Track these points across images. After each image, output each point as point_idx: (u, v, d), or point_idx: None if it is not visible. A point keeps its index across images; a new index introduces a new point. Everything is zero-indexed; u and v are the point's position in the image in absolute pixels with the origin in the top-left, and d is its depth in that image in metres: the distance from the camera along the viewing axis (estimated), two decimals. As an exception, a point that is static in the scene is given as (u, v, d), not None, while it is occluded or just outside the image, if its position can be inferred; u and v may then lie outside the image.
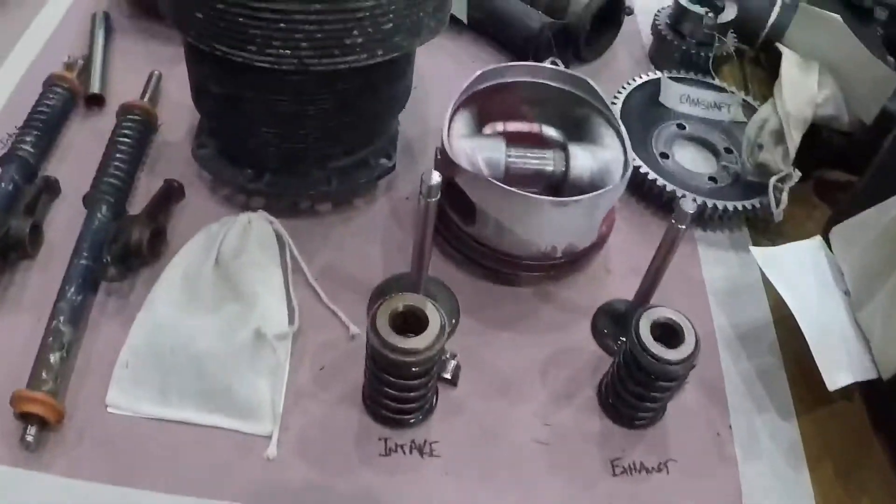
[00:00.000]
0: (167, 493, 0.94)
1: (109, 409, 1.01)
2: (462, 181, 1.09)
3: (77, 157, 1.26)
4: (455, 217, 1.15)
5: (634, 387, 0.99)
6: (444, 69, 1.49)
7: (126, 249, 1.09)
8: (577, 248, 1.14)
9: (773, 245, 1.16)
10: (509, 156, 1.13)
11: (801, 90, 1.29)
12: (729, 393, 1.11)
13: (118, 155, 1.20)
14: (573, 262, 1.17)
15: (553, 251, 1.12)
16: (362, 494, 0.97)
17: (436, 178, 0.90)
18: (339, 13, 0.94)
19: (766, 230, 1.30)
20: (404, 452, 1.00)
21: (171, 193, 1.19)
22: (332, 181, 1.16)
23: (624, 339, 1.00)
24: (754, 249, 1.13)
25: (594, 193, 1.06)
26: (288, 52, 0.95)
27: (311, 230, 1.21)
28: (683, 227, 0.95)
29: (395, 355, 0.91)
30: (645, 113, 1.40)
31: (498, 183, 1.04)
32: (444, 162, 1.10)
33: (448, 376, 1.05)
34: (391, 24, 0.98)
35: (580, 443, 1.03)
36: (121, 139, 1.22)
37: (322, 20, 0.94)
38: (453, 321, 1.13)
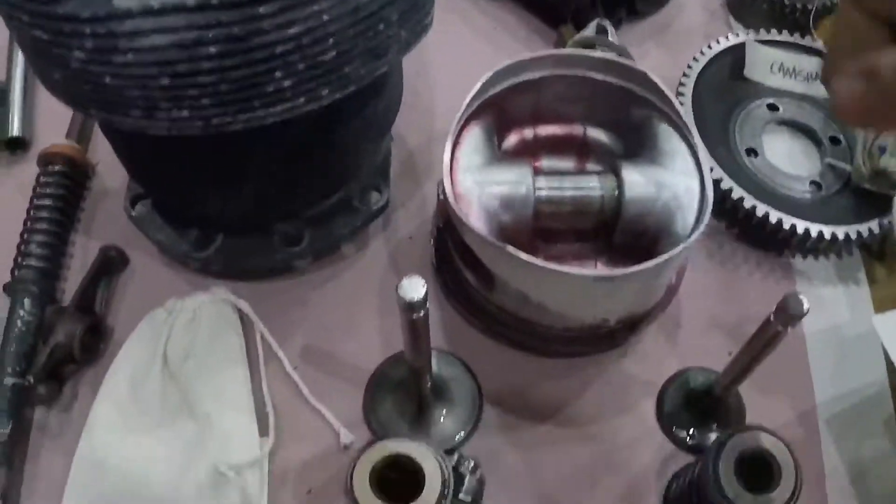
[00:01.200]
0: None
1: (60, 568, 0.84)
2: (470, 240, 0.82)
3: (-2, 225, 1.04)
4: (469, 277, 0.89)
5: None
6: (457, 41, 1.17)
7: (55, 358, 0.89)
8: (637, 313, 0.88)
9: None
10: (539, 188, 0.86)
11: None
12: (830, 490, 0.86)
13: (40, 225, 0.97)
14: (632, 327, 0.90)
15: (603, 322, 0.87)
16: None
17: (419, 289, 0.65)
18: (243, 54, 0.66)
19: (883, 254, 1.02)
20: None
21: (108, 265, 0.96)
22: (303, 237, 0.92)
23: (702, 433, 0.86)
24: (877, 319, 0.85)
25: (660, 260, 0.78)
26: (185, 113, 0.69)
27: (286, 297, 0.96)
28: (785, 330, 0.69)
29: (384, 536, 0.68)
30: (724, 92, 1.09)
31: (516, 252, 0.77)
32: (447, 210, 0.83)
33: (468, 499, 0.82)
34: (334, 53, 0.70)
35: None
36: (43, 202, 0.99)
37: (220, 67, 0.66)
38: (475, 416, 0.89)
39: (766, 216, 0.95)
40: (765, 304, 0.88)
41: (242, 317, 0.93)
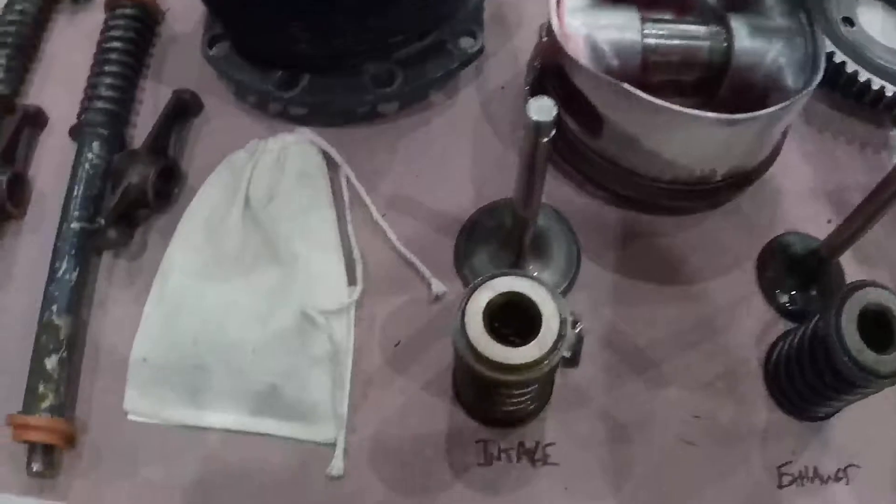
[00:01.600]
0: None
1: (130, 417, 0.81)
2: (580, 82, 0.77)
3: (64, 72, 0.99)
4: (572, 124, 0.84)
5: (819, 383, 0.74)
6: None
7: (127, 200, 0.84)
8: (743, 168, 0.83)
9: None
10: (647, 35, 0.81)
11: None
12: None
13: (108, 67, 0.92)
14: (736, 184, 0.85)
15: (711, 174, 0.82)
16: (456, 523, 0.76)
17: (549, 110, 0.61)
18: None
19: None
20: (510, 459, 0.79)
21: (181, 109, 0.91)
22: (395, 78, 0.87)
23: (804, 299, 0.82)
24: None
25: (780, 106, 0.73)
26: None
27: (374, 143, 0.92)
28: None
29: (496, 373, 0.64)
30: None
31: (634, 90, 0.73)
32: (553, 50, 0.79)
33: (566, 354, 0.78)
34: None
35: (739, 441, 0.80)
36: (111, 44, 0.94)
37: None
38: (572, 271, 0.85)
39: (869, 82, 0.90)
40: (864, 173, 0.85)
41: (328, 161, 0.88)
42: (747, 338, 0.83)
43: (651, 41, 0.81)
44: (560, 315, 0.65)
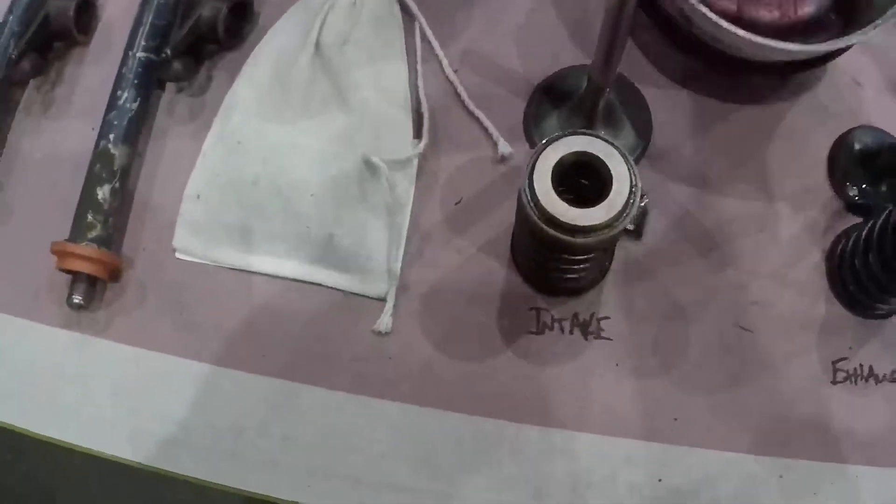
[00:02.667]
0: (249, 371, 0.76)
1: (178, 255, 0.80)
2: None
3: None
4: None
5: (885, 277, 0.71)
6: None
7: (196, 33, 0.82)
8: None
9: None
10: None
11: None
12: None
13: None
14: (810, 62, 0.80)
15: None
16: (501, 390, 0.75)
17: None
18: None
19: None
20: (563, 330, 0.77)
21: (257, -54, 0.87)
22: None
23: (874, 193, 0.78)
24: None
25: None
26: None
27: (449, -1, 0.88)
28: None
29: (560, 234, 0.62)
30: None
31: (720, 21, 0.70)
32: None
33: (630, 226, 0.76)
34: None
35: (796, 332, 0.77)
36: None
37: None
38: (641, 145, 0.82)
39: None
40: None
41: (404, 10, 0.85)
42: (812, 228, 0.79)
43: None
44: (632, 180, 0.62)
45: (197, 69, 0.84)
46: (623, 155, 0.63)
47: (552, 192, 0.62)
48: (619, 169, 0.62)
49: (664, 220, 0.79)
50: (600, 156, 0.63)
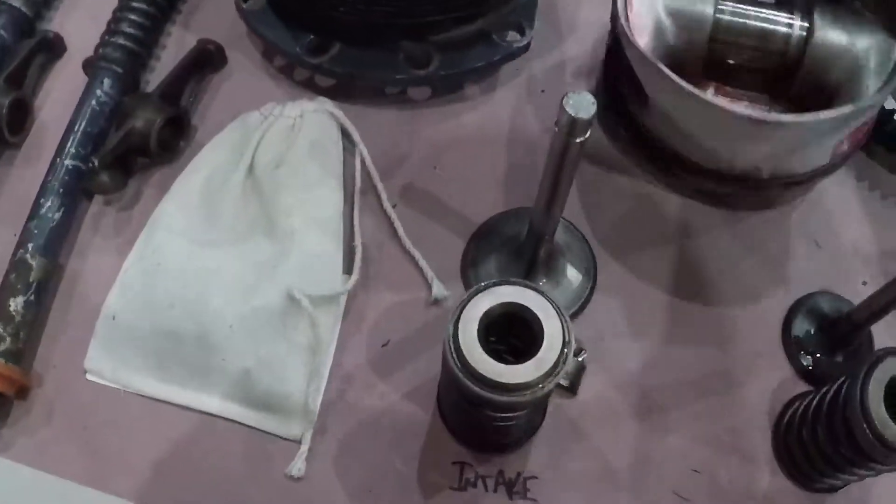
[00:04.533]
0: None
1: (88, 377, 0.76)
2: (631, 56, 0.74)
3: (94, 2, 0.93)
4: (622, 86, 0.80)
5: (833, 453, 0.68)
6: None
7: (127, 145, 0.79)
8: (794, 172, 0.78)
9: None
10: (721, 9, 0.79)
11: None
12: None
13: (136, 3, 0.87)
14: (785, 185, 0.80)
15: (755, 171, 0.77)
16: (418, 546, 0.70)
17: (588, 107, 0.56)
18: None
19: None
20: (486, 488, 0.73)
21: (203, 60, 0.87)
22: (431, 60, 0.82)
23: (828, 363, 0.77)
24: None
25: (835, 113, 0.69)
26: None
27: (398, 128, 0.87)
28: None
29: (484, 391, 0.58)
30: None
31: (676, 79, 0.70)
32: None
33: (564, 382, 0.72)
34: None
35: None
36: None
37: None
38: (585, 295, 0.79)
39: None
40: None
41: (345, 138, 0.83)
42: (761, 395, 0.76)
43: (725, 17, 0.79)
44: (564, 337, 0.59)
45: (125, 182, 0.81)
46: (556, 309, 0.60)
47: (477, 345, 0.58)
48: (551, 324, 0.59)
49: (602, 375, 0.75)
50: (532, 308, 0.59)
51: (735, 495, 0.73)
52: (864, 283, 0.82)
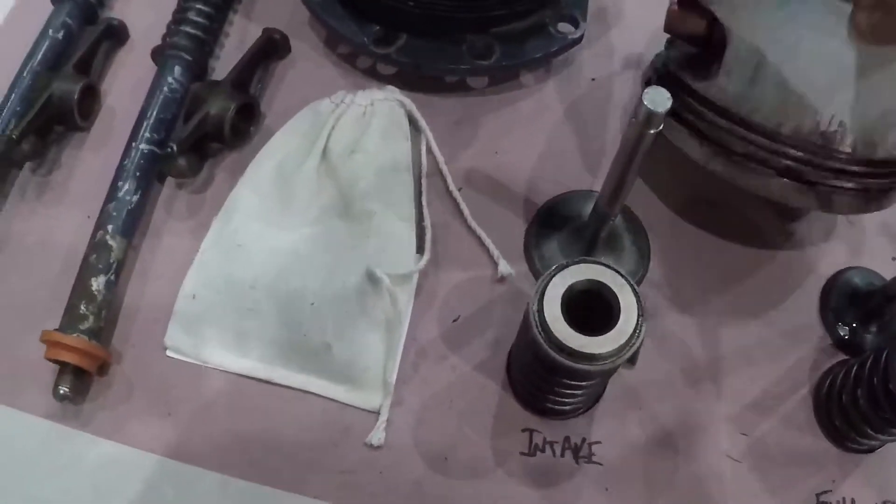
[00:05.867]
0: (233, 475, 0.74)
1: (168, 353, 0.78)
2: None
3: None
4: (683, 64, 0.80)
5: (871, 413, 0.72)
6: None
7: (202, 131, 0.82)
8: (881, 142, 0.71)
9: None
10: None
11: None
12: None
13: (200, -8, 0.90)
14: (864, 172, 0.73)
15: (839, 132, 0.70)
16: (491, 507, 0.74)
17: (664, 101, 0.60)
18: None
19: None
20: (555, 453, 0.76)
21: (269, 49, 0.89)
22: (493, 51, 0.85)
23: (863, 333, 0.79)
24: None
25: None
26: None
27: (459, 115, 0.90)
28: None
29: (567, 359, 0.63)
30: None
31: None
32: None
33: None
34: None
35: (782, 464, 0.77)
36: (208, -33, 0.91)
37: None
38: (641, 272, 0.83)
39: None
40: None
41: (412, 125, 0.86)
42: (802, 363, 0.81)
43: None
44: (639, 311, 0.64)
45: (200, 166, 0.84)
46: (632, 286, 0.64)
47: (561, 318, 0.62)
48: (627, 299, 0.64)
49: (658, 348, 0.79)
50: (611, 286, 0.64)
51: (781, 457, 0.76)
52: (894, 259, 0.86)
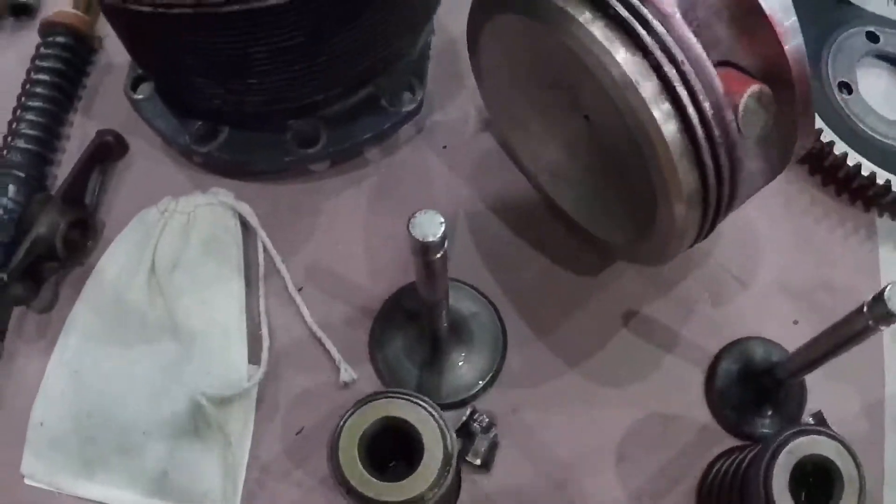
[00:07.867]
0: None
1: (27, 481, 0.77)
2: None
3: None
4: None
5: None
6: None
7: (34, 254, 0.79)
8: None
9: None
10: None
11: None
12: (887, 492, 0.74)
13: (34, 102, 0.86)
14: None
15: None
16: None
17: (436, 226, 0.54)
18: None
19: None
20: None
21: (104, 152, 0.86)
22: (319, 137, 0.80)
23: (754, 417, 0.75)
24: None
25: None
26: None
27: (300, 202, 0.85)
28: (877, 327, 0.57)
29: (366, 506, 0.58)
30: (819, 13, 0.91)
31: None
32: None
33: (477, 462, 0.72)
34: None
35: None
36: (39, 76, 0.87)
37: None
38: (496, 365, 0.78)
39: (858, 167, 0.82)
40: (844, 267, 0.78)
41: (244, 224, 0.82)
42: (685, 456, 0.75)
43: None
44: (446, 450, 0.59)
45: (37, 290, 0.81)
46: (437, 420, 0.60)
47: (357, 464, 0.58)
48: (431, 436, 0.59)
49: (517, 448, 0.75)
50: (410, 421, 0.60)
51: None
52: (796, 322, 0.79)
